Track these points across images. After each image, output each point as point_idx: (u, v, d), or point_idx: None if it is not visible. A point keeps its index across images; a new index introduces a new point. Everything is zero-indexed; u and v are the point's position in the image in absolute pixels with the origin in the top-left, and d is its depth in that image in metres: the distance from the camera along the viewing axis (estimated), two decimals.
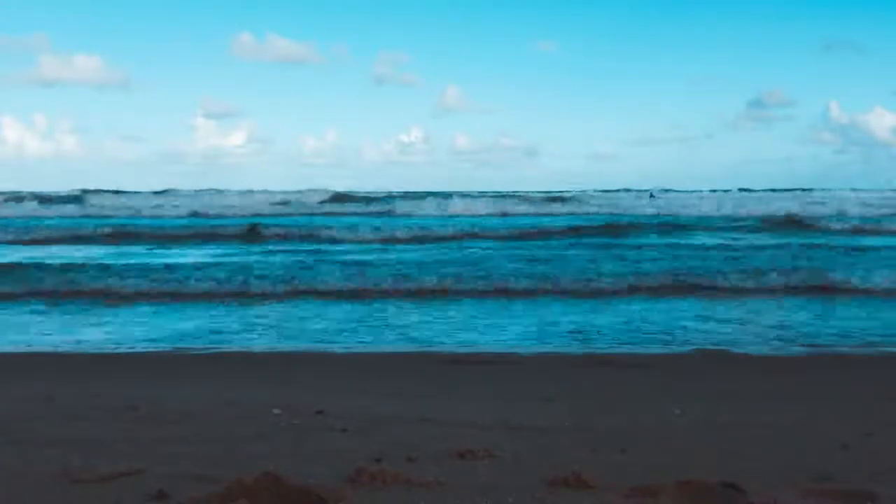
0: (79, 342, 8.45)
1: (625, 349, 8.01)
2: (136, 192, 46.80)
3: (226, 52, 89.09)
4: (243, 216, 31.63)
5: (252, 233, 23.66)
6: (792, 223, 27.34)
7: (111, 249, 19.28)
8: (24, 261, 15.26)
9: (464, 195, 42.78)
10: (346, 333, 8.96)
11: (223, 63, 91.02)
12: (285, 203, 39.73)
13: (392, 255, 17.14)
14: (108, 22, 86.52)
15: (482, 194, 46.66)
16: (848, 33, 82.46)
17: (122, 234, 23.40)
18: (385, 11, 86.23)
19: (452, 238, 22.81)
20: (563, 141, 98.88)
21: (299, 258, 16.39)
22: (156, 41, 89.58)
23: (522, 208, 37.33)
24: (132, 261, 15.72)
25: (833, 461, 3.66)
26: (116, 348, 8.19)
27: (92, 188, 45.90)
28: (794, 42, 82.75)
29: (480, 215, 33.38)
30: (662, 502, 2.99)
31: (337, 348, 8.20)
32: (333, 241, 22.07)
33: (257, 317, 10.12)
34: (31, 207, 36.07)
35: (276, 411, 4.68)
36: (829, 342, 8.24)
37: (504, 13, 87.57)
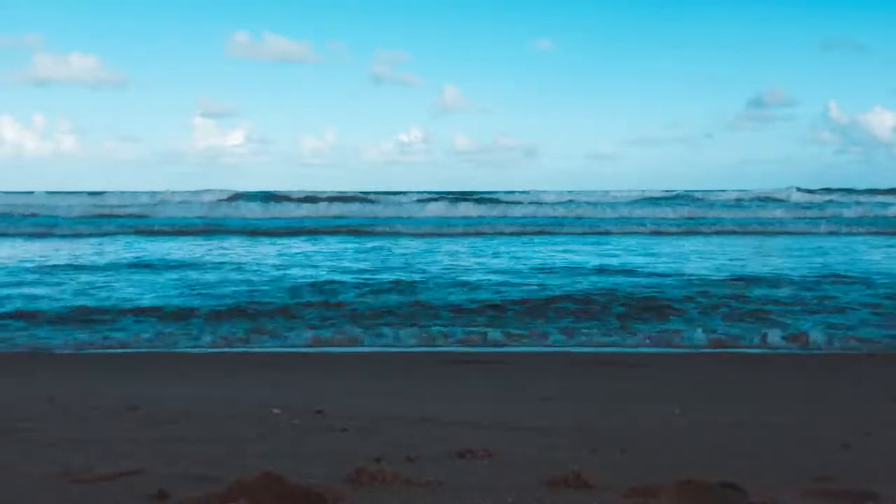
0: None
1: (625, 349, 8.01)
2: None
3: (222, 51, 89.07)
4: None
5: None
6: None
7: None
8: None
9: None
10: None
11: (220, 62, 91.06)
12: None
13: None
14: (103, 22, 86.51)
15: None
16: (848, 33, 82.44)
17: None
18: (382, 10, 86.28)
19: None
20: (563, 141, 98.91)
21: None
22: (151, 41, 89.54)
23: None
24: None
25: (833, 461, 3.66)
26: (116, 348, 8.19)
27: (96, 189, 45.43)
28: (794, 42, 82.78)
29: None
30: (662, 502, 2.99)
31: (337, 348, 8.21)
32: None
33: None
34: None
35: (276, 411, 4.68)
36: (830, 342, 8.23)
37: (502, 11, 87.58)
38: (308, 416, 4.58)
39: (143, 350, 8.11)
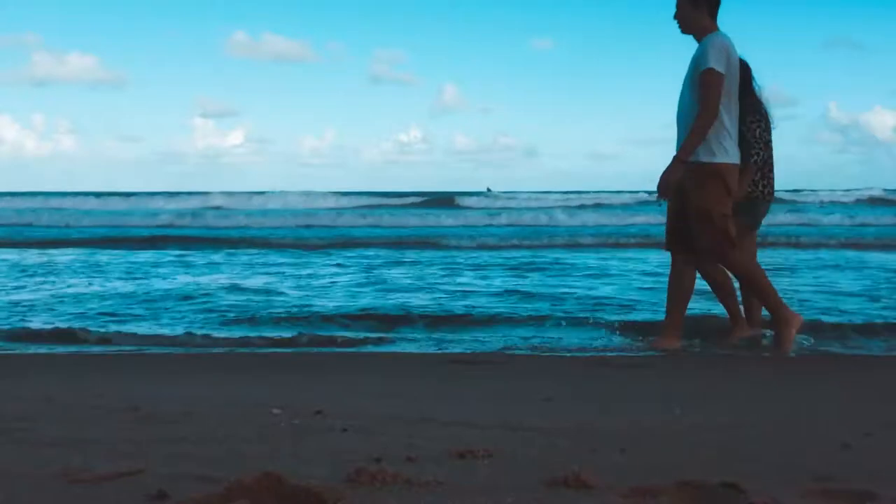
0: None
1: (625, 349, 8.01)
2: None
3: (221, 51, 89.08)
4: None
5: None
6: None
7: None
8: None
9: None
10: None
11: (219, 62, 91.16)
12: None
13: None
14: (102, 22, 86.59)
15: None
16: (848, 32, 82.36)
17: None
18: (381, 10, 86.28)
19: None
20: (563, 141, 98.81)
21: None
22: (150, 41, 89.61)
23: None
24: None
25: (833, 461, 3.66)
26: (116, 349, 8.19)
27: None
28: (794, 42, 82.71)
29: None
30: (662, 502, 2.99)
31: (337, 348, 8.20)
32: None
33: None
34: None
35: (275, 411, 4.67)
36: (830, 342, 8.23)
37: (500, 10, 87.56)
38: (308, 416, 4.57)
39: (143, 350, 8.10)
